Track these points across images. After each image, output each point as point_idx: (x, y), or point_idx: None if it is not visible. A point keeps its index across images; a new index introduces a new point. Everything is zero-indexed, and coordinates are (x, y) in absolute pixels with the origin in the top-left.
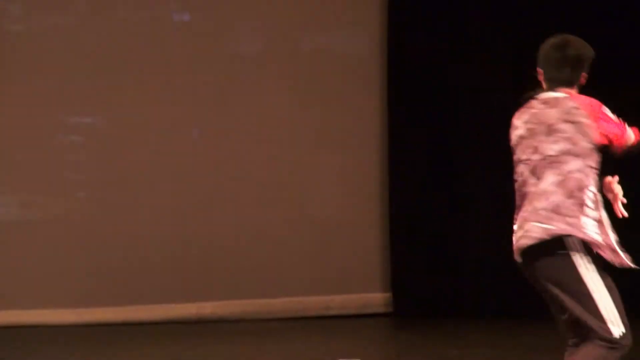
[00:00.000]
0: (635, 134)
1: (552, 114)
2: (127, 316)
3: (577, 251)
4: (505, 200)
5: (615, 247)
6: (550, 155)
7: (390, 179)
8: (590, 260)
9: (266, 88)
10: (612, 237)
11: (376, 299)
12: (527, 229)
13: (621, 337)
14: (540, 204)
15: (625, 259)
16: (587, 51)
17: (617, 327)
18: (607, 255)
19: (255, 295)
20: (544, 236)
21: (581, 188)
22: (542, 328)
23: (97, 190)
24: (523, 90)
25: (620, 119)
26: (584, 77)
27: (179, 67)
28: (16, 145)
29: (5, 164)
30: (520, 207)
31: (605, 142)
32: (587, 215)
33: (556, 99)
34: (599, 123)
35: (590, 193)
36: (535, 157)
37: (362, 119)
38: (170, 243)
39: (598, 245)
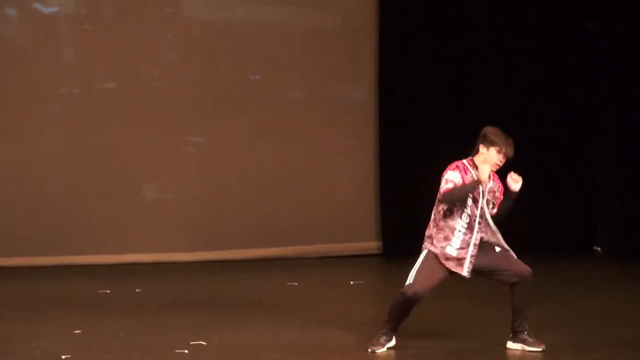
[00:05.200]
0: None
1: None
2: (223, 256)
3: (423, 253)
4: None
5: (462, 260)
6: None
7: (380, 166)
8: (429, 259)
9: (305, 116)
10: (469, 254)
11: (371, 245)
12: None
13: (406, 285)
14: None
15: (462, 270)
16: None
17: (408, 280)
18: (450, 265)
19: (295, 243)
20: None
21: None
22: None
23: (204, 180)
24: None
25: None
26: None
27: (254, 107)
28: (158, 154)
29: (151, 165)
30: None
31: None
32: (442, 239)
33: None
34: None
35: (452, 224)
36: None
37: (360, 119)
38: (245, 214)
39: (442, 257)
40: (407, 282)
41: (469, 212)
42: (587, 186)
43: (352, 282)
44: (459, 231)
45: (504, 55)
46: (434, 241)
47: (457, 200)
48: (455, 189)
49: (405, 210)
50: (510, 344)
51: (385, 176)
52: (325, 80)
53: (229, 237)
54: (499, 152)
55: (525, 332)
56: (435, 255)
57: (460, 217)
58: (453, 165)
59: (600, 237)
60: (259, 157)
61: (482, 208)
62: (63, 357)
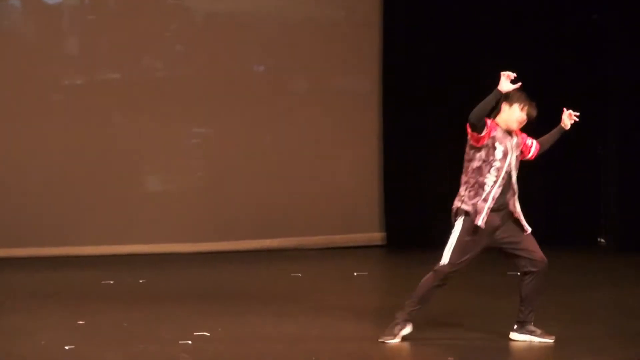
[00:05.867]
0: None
1: None
2: (227, 247)
3: (459, 216)
4: None
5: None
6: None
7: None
8: (463, 236)
9: (308, 107)
10: (487, 205)
11: (375, 236)
12: None
13: (441, 265)
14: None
15: (478, 220)
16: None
17: (443, 259)
18: (477, 219)
19: (298, 234)
20: (453, 207)
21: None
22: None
23: (208, 171)
24: None
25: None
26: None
27: (258, 99)
28: (161, 145)
29: (154, 156)
30: None
31: (470, 137)
32: (473, 196)
33: None
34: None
35: (482, 180)
36: None
37: (364, 110)
38: (249, 205)
39: (474, 214)
40: (442, 262)
41: (498, 165)
42: (590, 178)
43: (355, 273)
44: (488, 185)
45: (508, 49)
46: (465, 199)
47: (482, 112)
48: (478, 105)
49: (409, 201)
50: (516, 336)
51: (389, 167)
52: (329, 72)
53: (232, 228)
54: (522, 109)
55: (532, 324)
56: (470, 227)
57: (489, 172)
58: None
59: (604, 229)
60: (262, 149)
61: (509, 164)
62: (66, 347)
